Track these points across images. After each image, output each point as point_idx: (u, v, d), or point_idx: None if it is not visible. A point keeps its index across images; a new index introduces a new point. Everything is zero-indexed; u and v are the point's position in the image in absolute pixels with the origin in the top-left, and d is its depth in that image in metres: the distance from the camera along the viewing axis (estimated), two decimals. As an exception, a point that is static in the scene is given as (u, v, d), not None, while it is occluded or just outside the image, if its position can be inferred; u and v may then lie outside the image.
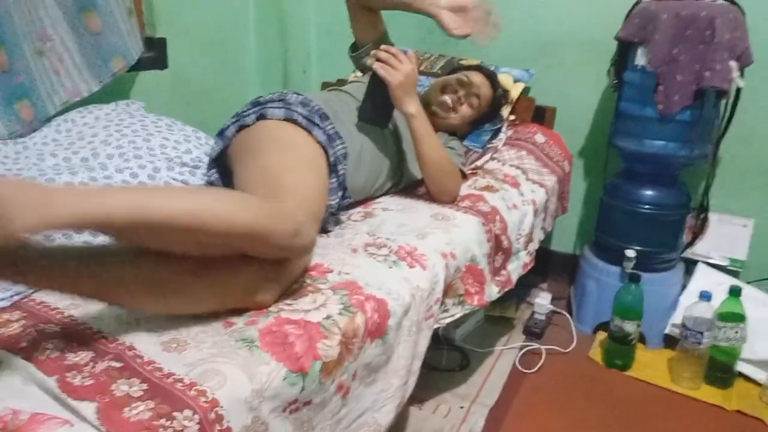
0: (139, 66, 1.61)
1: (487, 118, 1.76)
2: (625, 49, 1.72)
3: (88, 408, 0.65)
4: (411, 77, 1.33)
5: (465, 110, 1.65)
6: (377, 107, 1.36)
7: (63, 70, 1.42)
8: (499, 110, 1.81)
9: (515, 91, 1.92)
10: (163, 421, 0.67)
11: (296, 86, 2.30)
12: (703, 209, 1.89)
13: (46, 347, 0.76)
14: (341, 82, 2.12)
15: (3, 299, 0.88)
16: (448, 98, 1.64)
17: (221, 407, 0.72)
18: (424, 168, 1.41)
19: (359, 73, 1.84)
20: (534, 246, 1.65)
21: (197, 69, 1.96)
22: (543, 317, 1.91)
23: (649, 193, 1.78)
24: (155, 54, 1.72)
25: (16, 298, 0.90)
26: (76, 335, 0.80)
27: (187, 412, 0.69)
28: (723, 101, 1.71)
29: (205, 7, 1.99)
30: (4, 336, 0.79)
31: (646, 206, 1.77)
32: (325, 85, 2.19)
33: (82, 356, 0.75)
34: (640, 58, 1.66)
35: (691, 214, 1.86)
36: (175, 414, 0.68)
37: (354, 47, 1.61)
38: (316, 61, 2.30)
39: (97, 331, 0.82)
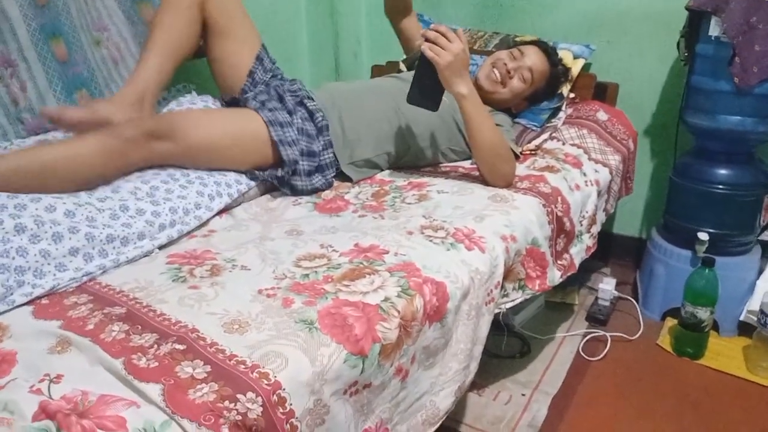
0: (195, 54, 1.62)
1: (544, 94, 1.69)
2: (696, 20, 1.61)
3: (154, 390, 0.66)
4: (461, 57, 1.28)
5: (516, 84, 1.59)
6: (425, 89, 1.31)
7: (120, 60, 1.45)
8: (558, 87, 1.73)
9: (575, 68, 1.83)
10: (227, 403, 0.67)
11: (347, 71, 2.28)
12: (783, 187, 1.76)
13: (112, 329, 0.77)
14: (391, 65, 2.09)
15: (72, 280, 0.90)
16: (496, 71, 1.59)
17: (284, 389, 0.71)
18: (476, 151, 1.36)
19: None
20: (597, 228, 1.58)
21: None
22: (607, 303, 1.83)
23: (723, 171, 1.67)
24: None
25: (85, 279, 0.92)
26: (140, 317, 0.81)
27: (251, 395, 0.68)
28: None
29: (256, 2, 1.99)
30: (72, 318, 0.81)
31: (720, 186, 1.66)
32: (376, 69, 2.17)
33: (147, 338, 0.76)
34: (714, 28, 1.55)
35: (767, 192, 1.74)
36: (238, 396, 0.68)
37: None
38: (367, 45, 2.27)
39: (160, 313, 0.82)
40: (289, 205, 1.33)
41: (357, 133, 1.46)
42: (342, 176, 1.46)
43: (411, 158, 1.55)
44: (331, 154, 1.44)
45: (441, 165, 1.58)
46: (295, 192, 1.37)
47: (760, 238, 1.78)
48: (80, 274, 0.91)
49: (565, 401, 1.45)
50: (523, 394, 1.47)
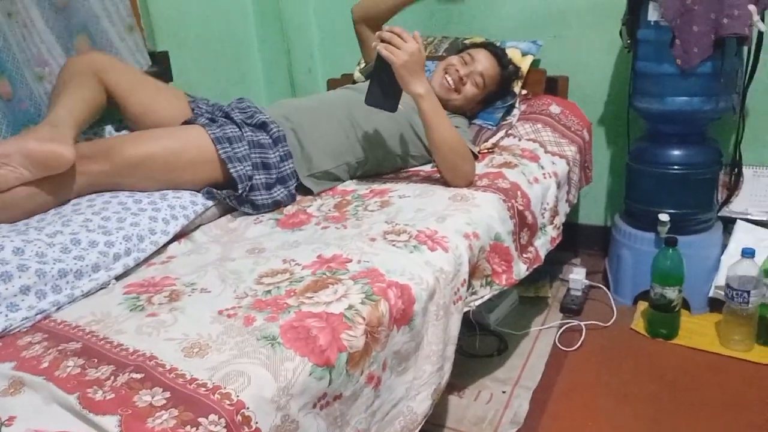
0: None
1: (496, 96, 1.72)
2: (635, 6, 1.65)
3: (111, 422, 0.64)
4: (416, 56, 1.29)
5: (469, 90, 1.61)
6: (384, 90, 1.32)
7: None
8: (509, 88, 1.76)
9: (524, 65, 1.86)
10: (188, 428, 0.65)
11: (303, 86, 2.28)
12: (736, 164, 1.81)
13: (66, 365, 0.75)
14: (346, 78, 2.10)
15: (25, 319, 0.87)
16: (449, 78, 1.60)
17: (247, 408, 0.69)
18: (436, 151, 1.37)
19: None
20: (560, 220, 1.59)
21: (203, 79, 1.96)
22: (579, 293, 1.85)
23: (676, 153, 1.70)
24: (159, 68, 1.72)
25: (39, 317, 0.89)
26: (96, 350, 0.79)
27: (213, 417, 0.66)
28: (745, 48, 1.63)
29: (205, 18, 1.99)
30: (26, 358, 0.79)
31: (676, 167, 1.70)
32: (331, 82, 2.17)
33: (103, 371, 0.73)
34: (653, 13, 1.59)
35: (723, 170, 1.79)
36: (200, 420, 0.66)
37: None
38: (320, 59, 2.28)
39: (117, 344, 0.80)
40: (251, 223, 1.31)
41: (314, 146, 1.46)
42: (304, 189, 1.45)
43: (371, 167, 1.55)
44: (291, 165, 1.43)
45: (402, 171, 1.59)
46: (257, 208, 1.35)
47: (719, 214, 1.82)
48: (33, 313, 0.88)
49: (545, 394, 1.45)
50: (504, 391, 1.46)
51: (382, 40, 1.29)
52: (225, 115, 1.44)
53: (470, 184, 1.38)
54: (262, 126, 1.43)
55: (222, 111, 1.46)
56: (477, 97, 1.65)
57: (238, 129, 1.38)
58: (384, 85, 1.31)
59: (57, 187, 1.16)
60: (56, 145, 1.12)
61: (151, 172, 1.25)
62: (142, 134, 1.34)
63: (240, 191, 1.31)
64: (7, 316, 0.86)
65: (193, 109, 1.48)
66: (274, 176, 1.39)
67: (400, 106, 1.37)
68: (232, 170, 1.30)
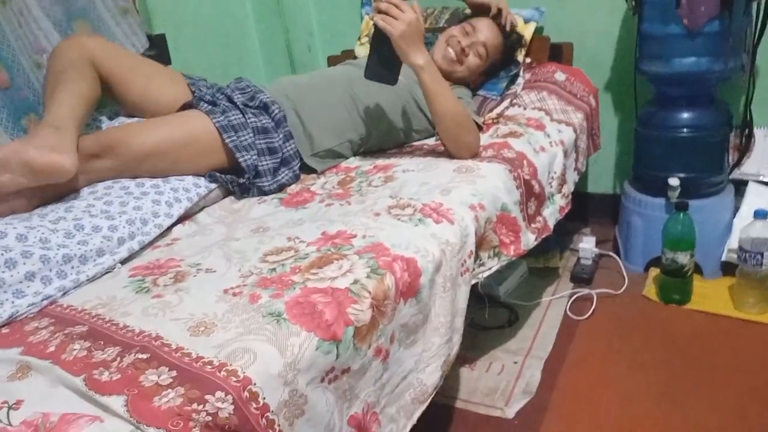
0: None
1: (500, 66, 1.69)
2: (639, -34, 1.61)
3: (117, 402, 0.64)
4: (414, 26, 1.26)
5: (472, 61, 1.58)
6: (382, 62, 1.30)
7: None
8: (513, 57, 1.73)
9: (528, 32, 1.83)
10: (195, 405, 0.65)
11: (303, 65, 2.26)
12: (747, 125, 1.77)
13: (73, 348, 0.75)
14: (347, 54, 2.07)
15: (31, 305, 0.87)
16: (451, 50, 1.57)
17: (254, 385, 0.69)
18: (438, 122, 1.35)
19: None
20: (568, 188, 1.57)
21: (201, 60, 1.94)
22: (590, 261, 1.83)
23: (685, 116, 1.67)
24: (157, 51, 1.70)
25: (45, 302, 0.89)
26: (102, 333, 0.79)
27: (220, 394, 0.66)
28: (754, 5, 1.59)
29: (201, 4, 1.96)
30: (33, 342, 0.79)
31: (685, 130, 1.67)
32: (332, 60, 2.14)
33: (110, 352, 0.73)
34: (658, -27, 1.55)
35: (734, 132, 1.75)
36: (207, 397, 0.66)
37: None
38: (320, 36, 2.25)
39: (123, 326, 0.80)
40: (254, 204, 1.30)
41: (316, 124, 1.44)
42: (307, 168, 1.44)
43: (374, 143, 1.53)
44: (293, 146, 1.41)
45: (406, 145, 1.57)
46: (263, 193, 1.34)
47: (731, 177, 1.79)
48: (39, 299, 0.88)
49: (557, 363, 1.45)
50: (515, 362, 1.46)
51: (379, 11, 1.26)
52: (226, 98, 1.42)
53: (475, 155, 1.36)
54: (264, 108, 1.41)
55: (223, 93, 1.44)
56: (480, 68, 1.62)
57: (241, 115, 1.36)
58: (383, 57, 1.29)
59: (60, 188, 1.14)
60: (58, 155, 1.07)
61: (157, 162, 1.24)
62: (145, 125, 1.31)
63: (245, 180, 1.30)
64: (13, 302, 0.86)
65: (193, 92, 1.46)
66: (279, 159, 1.37)
67: (401, 78, 1.34)
68: (240, 160, 1.29)
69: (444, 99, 1.32)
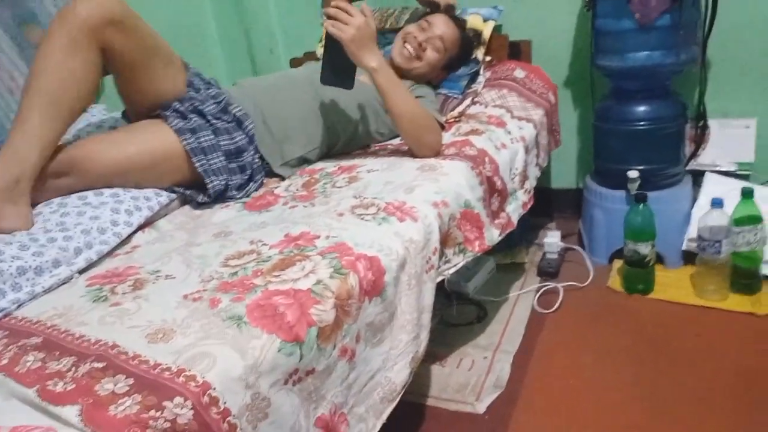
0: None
1: (459, 60, 1.70)
2: (592, -36, 1.65)
3: (71, 411, 0.62)
4: (364, 29, 1.26)
5: (430, 55, 1.59)
6: (337, 67, 1.30)
7: (16, 88, 1.38)
8: (471, 50, 1.75)
9: (486, 30, 1.85)
10: (152, 412, 0.63)
11: (265, 67, 2.24)
12: (702, 117, 1.82)
13: (26, 360, 0.73)
14: (310, 56, 2.06)
15: (-19, 321, 0.85)
16: (409, 47, 1.58)
17: (214, 389, 0.68)
18: (397, 123, 1.35)
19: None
20: (531, 184, 1.60)
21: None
22: (555, 255, 1.86)
23: (641, 109, 1.71)
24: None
25: (-2, 317, 0.87)
26: (57, 344, 0.77)
27: (178, 399, 0.65)
28: (703, -1, 1.64)
29: (159, 6, 1.93)
30: (-16, 357, 0.76)
31: (641, 123, 1.71)
32: (295, 62, 2.14)
33: (65, 362, 0.71)
34: (609, -30, 1.59)
35: (689, 123, 1.80)
36: (164, 403, 0.64)
37: None
38: (282, 39, 2.24)
39: (79, 335, 0.78)
40: (217, 209, 1.28)
41: (285, 134, 1.43)
42: (272, 172, 1.43)
43: (341, 147, 1.53)
44: (258, 159, 1.39)
45: (370, 145, 1.57)
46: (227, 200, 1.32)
47: (688, 168, 1.84)
48: (-10, 313, 0.86)
49: (526, 357, 1.46)
50: (485, 357, 1.47)
51: (329, 17, 1.26)
52: (198, 113, 1.33)
53: (437, 154, 1.37)
54: (238, 123, 1.36)
55: (193, 107, 1.33)
56: (439, 62, 1.63)
57: (213, 135, 1.29)
58: (337, 62, 1.29)
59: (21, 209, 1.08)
60: (5, 223, 1.02)
61: (119, 182, 1.19)
62: (111, 143, 1.22)
63: (206, 198, 1.27)
64: (-36, 316, 0.83)
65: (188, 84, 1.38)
66: (249, 175, 1.35)
67: (365, 80, 1.34)
68: (209, 185, 1.26)
69: (400, 100, 1.33)
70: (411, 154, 1.39)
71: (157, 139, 1.25)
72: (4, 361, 0.74)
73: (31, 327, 0.83)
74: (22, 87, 1.16)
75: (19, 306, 0.90)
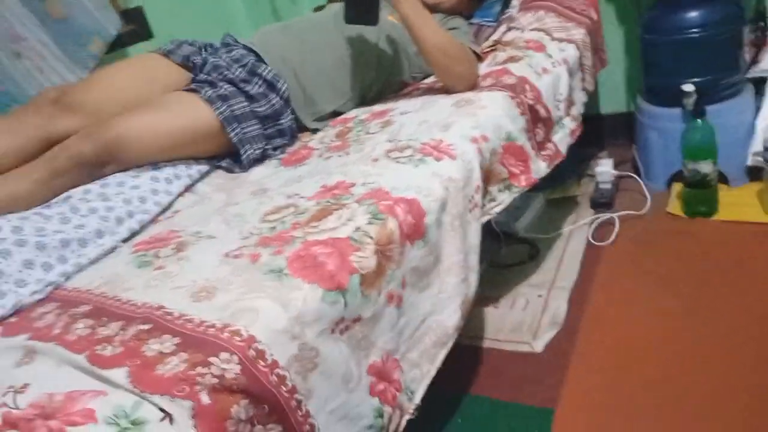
0: (123, 42, 1.55)
1: (489, -14, 1.60)
2: None
3: (119, 374, 0.62)
4: None
5: None
6: (359, 4, 1.23)
7: (46, 66, 1.39)
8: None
9: (517, -49, 1.72)
10: (200, 369, 0.63)
11: (288, 17, 2.18)
12: (761, 17, 1.65)
13: (76, 328, 0.74)
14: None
15: (35, 293, 0.86)
16: None
17: (259, 342, 0.67)
18: (427, 56, 1.28)
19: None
20: (577, 109, 1.50)
21: (184, 28, 1.87)
22: (609, 185, 1.77)
23: (693, 14, 1.56)
24: (136, 26, 1.65)
25: (49, 289, 0.89)
26: (106, 310, 0.77)
27: (224, 355, 0.65)
28: None
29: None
30: (39, 328, 0.78)
31: (694, 30, 1.57)
32: (317, 10, 2.06)
33: (113, 327, 0.72)
34: None
35: (747, 27, 1.64)
36: (211, 359, 0.64)
37: None
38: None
39: (126, 300, 0.79)
40: (254, 167, 1.27)
41: (317, 87, 1.38)
42: (303, 127, 1.40)
43: (375, 95, 1.47)
44: (295, 120, 1.36)
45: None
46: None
47: (748, 76, 1.69)
48: (42, 285, 0.87)
49: (583, 291, 1.41)
50: (540, 295, 1.43)
51: None
52: (226, 80, 1.28)
53: (472, 87, 1.30)
54: (270, 86, 1.31)
55: (222, 75, 1.29)
56: None
57: (246, 102, 1.26)
58: None
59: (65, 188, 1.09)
60: None
61: (160, 159, 1.18)
62: (144, 124, 1.17)
63: (245, 170, 1.25)
64: (16, 292, 0.85)
65: (191, 65, 1.36)
66: (287, 139, 1.32)
67: (393, 20, 1.27)
68: (243, 153, 1.24)
69: (427, 30, 1.25)
70: (445, 90, 1.33)
71: (191, 113, 1.22)
72: (57, 331, 0.75)
73: (80, 296, 0.85)
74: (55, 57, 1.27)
75: (68, 278, 0.91)
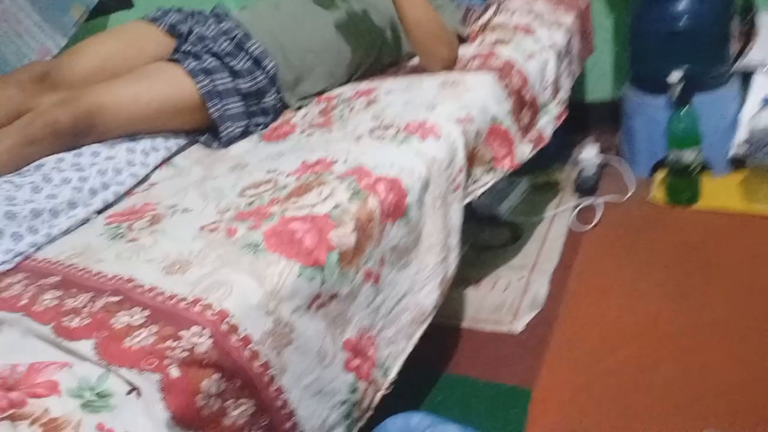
0: (104, 9, 1.50)
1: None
2: None
3: (86, 346, 0.61)
4: None
5: None
6: None
7: (24, 31, 1.34)
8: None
9: (509, -69, 1.69)
10: (169, 342, 0.62)
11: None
12: (749, 9, 1.65)
13: (44, 299, 0.72)
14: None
15: (2, 263, 0.84)
16: None
17: (232, 317, 0.66)
18: (409, 33, 1.26)
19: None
20: (563, 95, 1.49)
21: None
22: (593, 171, 1.76)
23: (682, 5, 1.56)
24: (116, -4, 1.61)
25: (18, 259, 0.86)
26: (75, 281, 0.76)
27: (195, 329, 0.63)
28: None
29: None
30: (5, 298, 0.76)
31: (682, 20, 1.56)
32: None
33: (81, 299, 0.70)
34: None
35: (735, 19, 1.63)
36: (181, 333, 0.63)
37: None
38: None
39: (96, 272, 0.77)
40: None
41: (306, 68, 1.34)
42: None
43: (362, 73, 1.44)
44: (280, 99, 1.32)
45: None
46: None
47: (735, 67, 1.69)
48: (10, 256, 0.85)
49: (564, 275, 1.41)
50: (521, 278, 1.43)
51: None
52: (213, 54, 1.25)
53: (448, 68, 1.28)
54: (256, 62, 1.27)
55: (207, 48, 1.26)
56: None
57: (229, 78, 1.22)
58: None
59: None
60: None
61: (139, 129, 1.15)
62: (124, 94, 1.14)
63: (224, 146, 1.22)
64: (-16, 261, 0.83)
65: (177, 35, 1.33)
66: (271, 117, 1.30)
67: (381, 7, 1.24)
68: (222, 131, 1.20)
69: (413, 6, 1.23)
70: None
71: (172, 85, 1.19)
72: (24, 301, 0.73)
73: (50, 267, 0.83)
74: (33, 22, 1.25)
75: (38, 249, 0.89)
